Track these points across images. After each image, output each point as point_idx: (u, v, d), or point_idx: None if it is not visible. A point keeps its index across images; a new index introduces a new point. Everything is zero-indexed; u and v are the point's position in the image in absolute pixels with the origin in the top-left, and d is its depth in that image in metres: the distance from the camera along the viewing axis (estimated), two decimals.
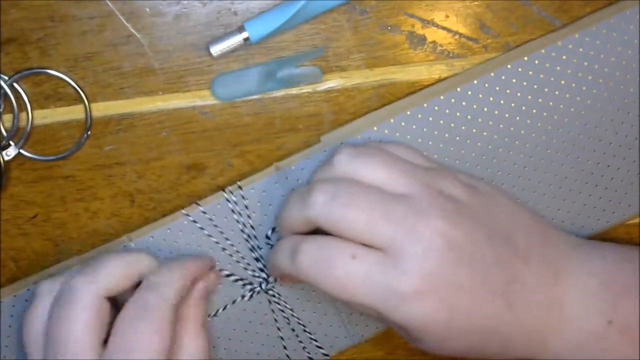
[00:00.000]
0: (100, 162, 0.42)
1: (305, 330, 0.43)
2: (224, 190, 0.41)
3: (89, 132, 0.41)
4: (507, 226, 0.38)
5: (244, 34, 0.39)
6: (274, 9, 0.40)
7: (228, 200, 0.41)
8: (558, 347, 0.38)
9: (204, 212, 0.41)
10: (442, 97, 0.41)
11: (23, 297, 0.42)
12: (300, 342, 0.43)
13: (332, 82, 0.41)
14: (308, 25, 0.41)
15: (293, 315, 0.43)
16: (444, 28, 0.41)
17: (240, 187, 0.41)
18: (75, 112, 0.41)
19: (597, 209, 0.43)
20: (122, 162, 0.42)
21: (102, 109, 0.41)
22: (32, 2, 0.39)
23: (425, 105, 0.41)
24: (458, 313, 0.35)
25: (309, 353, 0.43)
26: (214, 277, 0.41)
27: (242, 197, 0.41)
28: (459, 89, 0.41)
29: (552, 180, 0.42)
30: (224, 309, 0.42)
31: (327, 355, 0.44)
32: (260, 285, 0.42)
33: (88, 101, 0.41)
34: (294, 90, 0.41)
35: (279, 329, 0.43)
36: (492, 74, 0.41)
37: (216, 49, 0.40)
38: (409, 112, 0.41)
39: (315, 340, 0.43)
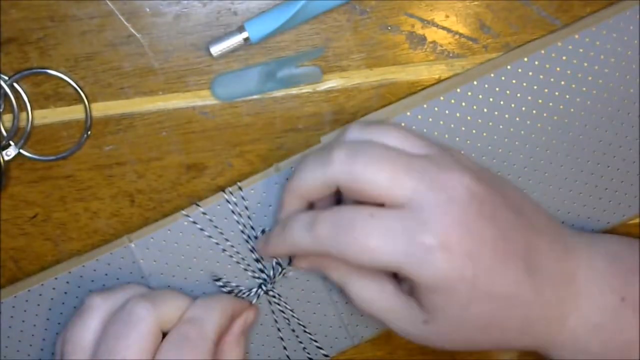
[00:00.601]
0: (100, 162, 0.42)
1: (305, 331, 0.43)
2: (224, 191, 0.41)
3: (89, 132, 0.41)
4: (519, 200, 0.38)
5: (244, 34, 0.39)
6: (274, 9, 0.40)
7: (228, 201, 0.41)
8: (577, 325, 0.37)
9: (204, 213, 0.41)
10: (442, 98, 0.41)
11: (23, 298, 0.42)
12: (301, 342, 0.43)
13: (332, 82, 0.41)
14: (308, 25, 0.41)
15: (293, 316, 0.43)
16: (444, 28, 0.41)
17: (240, 188, 0.41)
18: (75, 112, 0.41)
19: (597, 209, 0.43)
20: (122, 162, 0.42)
21: (102, 109, 0.41)
22: (32, 2, 0.39)
23: (425, 106, 0.41)
24: (483, 270, 0.34)
25: (309, 354, 0.43)
26: (252, 314, 0.41)
27: (242, 198, 0.41)
28: (458, 90, 0.41)
29: (551, 181, 0.42)
30: None
31: (327, 355, 0.44)
32: (261, 287, 0.42)
33: (88, 101, 0.41)
34: (294, 90, 0.41)
35: (279, 329, 0.43)
36: (492, 75, 0.41)
37: (216, 49, 0.40)
38: (408, 113, 0.41)
39: (316, 341, 0.43)
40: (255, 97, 0.41)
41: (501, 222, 0.35)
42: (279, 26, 0.39)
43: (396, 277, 0.38)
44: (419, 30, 0.41)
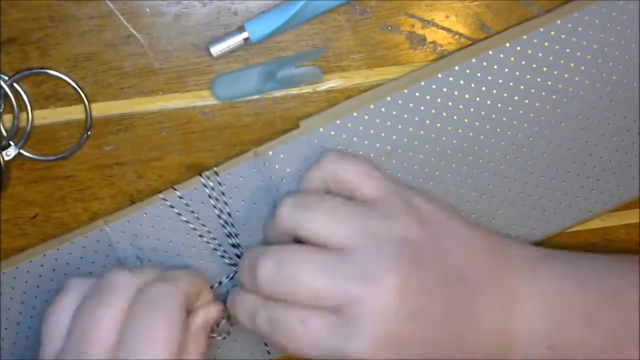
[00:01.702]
0: (100, 162, 0.42)
1: None
2: (200, 175, 0.41)
3: (89, 132, 0.41)
4: (459, 261, 0.38)
5: (244, 34, 0.39)
6: (274, 9, 0.40)
7: (205, 185, 0.41)
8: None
9: (181, 197, 0.41)
10: (422, 83, 0.41)
11: (11, 274, 0.41)
12: None
13: (332, 82, 0.41)
14: (308, 25, 0.41)
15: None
16: (444, 28, 0.41)
17: (216, 173, 0.41)
18: (75, 112, 0.41)
19: (595, 191, 0.42)
20: (122, 162, 0.42)
21: (102, 109, 0.41)
22: (32, 2, 0.39)
23: (405, 91, 0.41)
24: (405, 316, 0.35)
25: None
26: (214, 310, 0.40)
27: (219, 182, 0.41)
28: (440, 75, 0.41)
29: (534, 168, 0.42)
30: None
31: None
32: (237, 272, 0.41)
33: (88, 101, 0.41)
34: (294, 90, 0.41)
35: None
36: (474, 60, 0.41)
37: (216, 49, 0.40)
38: (389, 98, 0.41)
39: None
40: (255, 97, 0.41)
41: (435, 309, 0.36)
42: (279, 26, 0.39)
43: None
44: (419, 30, 0.41)
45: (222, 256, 0.42)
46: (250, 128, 0.42)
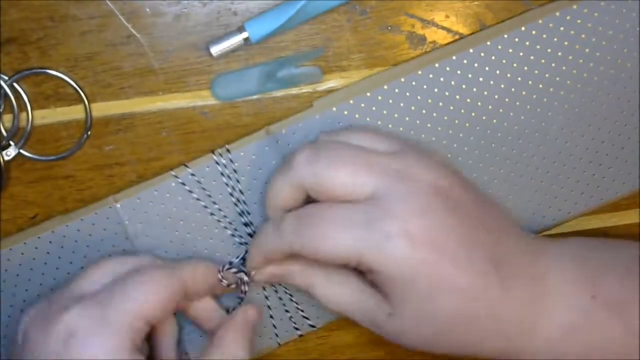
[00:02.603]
0: (100, 162, 0.42)
1: (292, 300, 0.43)
2: (212, 152, 0.41)
3: (89, 132, 0.41)
4: (486, 201, 0.37)
5: (244, 34, 0.39)
6: (274, 9, 0.40)
7: (217, 163, 0.41)
8: (550, 326, 0.36)
9: (192, 175, 0.41)
10: (437, 65, 0.41)
11: (5, 256, 0.41)
12: (287, 311, 0.43)
13: (332, 82, 0.41)
14: (308, 25, 0.41)
15: (280, 284, 0.42)
16: (444, 28, 0.41)
17: (228, 150, 0.41)
18: (75, 112, 0.41)
19: (591, 185, 0.42)
20: (122, 162, 0.42)
21: (102, 109, 0.41)
22: (32, 2, 0.39)
23: (419, 72, 0.41)
24: (446, 259, 0.34)
25: (295, 323, 0.43)
26: (251, 312, 0.39)
27: (231, 160, 0.41)
28: (454, 57, 0.41)
29: (546, 153, 0.42)
30: None
31: (313, 326, 0.43)
32: (247, 253, 0.41)
33: (88, 101, 0.41)
34: (294, 91, 0.41)
35: (266, 297, 0.42)
36: (489, 43, 0.41)
37: (216, 49, 0.40)
38: (402, 79, 0.41)
39: (302, 311, 0.43)
40: (255, 97, 0.41)
41: (466, 216, 0.35)
42: (279, 26, 0.39)
43: (360, 274, 0.37)
44: (419, 30, 0.41)
45: (233, 235, 0.42)
46: (250, 128, 0.42)
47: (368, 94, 0.41)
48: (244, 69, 0.41)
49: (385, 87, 0.41)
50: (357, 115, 0.41)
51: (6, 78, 0.40)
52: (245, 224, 0.42)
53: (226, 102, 0.41)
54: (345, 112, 0.41)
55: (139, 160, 0.42)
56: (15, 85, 0.40)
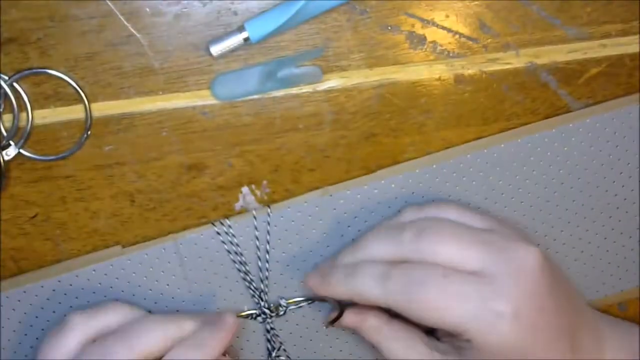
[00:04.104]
0: (100, 162, 0.42)
1: None
2: (254, 217, 0.42)
3: (89, 132, 0.41)
4: (565, 281, 0.39)
5: (244, 34, 0.39)
6: (274, 9, 0.40)
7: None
8: None
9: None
10: (502, 145, 0.42)
11: (15, 297, 0.42)
12: None
13: (332, 82, 0.41)
14: (308, 25, 0.41)
15: (284, 350, 0.43)
16: (444, 28, 0.41)
17: (269, 214, 0.42)
18: (75, 112, 0.41)
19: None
20: (122, 162, 0.42)
21: (102, 109, 0.41)
22: (32, 2, 0.39)
23: (485, 150, 0.42)
24: (540, 343, 0.35)
25: None
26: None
27: (268, 222, 0.42)
28: (468, 156, 0.42)
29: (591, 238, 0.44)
30: None
31: None
32: (260, 315, 0.42)
33: (88, 101, 0.41)
34: (294, 90, 0.41)
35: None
36: (553, 131, 0.43)
37: (216, 49, 0.40)
38: (468, 156, 0.42)
39: None
40: (255, 97, 0.41)
41: (558, 297, 0.37)
42: (279, 26, 0.39)
43: (429, 334, 0.39)
44: (419, 30, 0.41)
45: (253, 295, 0.42)
46: (250, 128, 0.42)
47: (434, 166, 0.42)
48: (244, 68, 0.41)
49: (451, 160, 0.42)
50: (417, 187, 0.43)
51: (6, 78, 0.40)
52: (259, 291, 0.42)
53: (226, 102, 0.41)
54: (410, 180, 0.43)
55: (139, 160, 0.42)
56: (15, 85, 0.40)
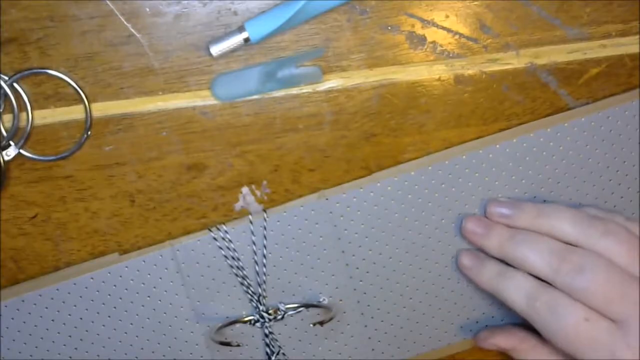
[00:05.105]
0: (100, 162, 0.42)
1: None
2: (250, 222, 0.42)
3: (89, 132, 0.41)
4: None
5: (244, 34, 0.39)
6: (274, 9, 0.40)
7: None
8: None
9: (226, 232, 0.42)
10: (497, 146, 0.42)
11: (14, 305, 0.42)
12: None
13: (332, 82, 0.41)
14: (308, 25, 0.41)
15: (283, 354, 0.43)
16: (444, 28, 0.41)
17: (264, 219, 0.42)
18: (75, 112, 0.41)
19: None
20: (122, 162, 0.42)
21: (102, 109, 0.41)
22: (32, 2, 0.39)
23: (480, 151, 0.42)
24: None
25: None
26: None
27: (264, 227, 0.42)
28: (464, 157, 0.42)
29: None
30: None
31: None
32: (259, 321, 0.42)
33: (88, 101, 0.41)
34: (294, 90, 0.41)
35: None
36: (548, 130, 0.43)
37: (216, 49, 0.40)
38: (464, 157, 0.42)
39: None
40: (255, 97, 0.41)
41: None
42: (279, 26, 0.39)
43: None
44: (419, 30, 0.41)
45: (251, 300, 0.42)
46: (250, 128, 0.42)
47: (429, 168, 0.42)
48: (244, 69, 0.41)
49: (447, 162, 0.42)
50: (416, 186, 0.43)
51: (6, 78, 0.40)
52: (258, 296, 0.42)
53: (226, 102, 0.41)
54: (406, 182, 0.43)
55: (139, 160, 0.42)
56: (15, 85, 0.40)
